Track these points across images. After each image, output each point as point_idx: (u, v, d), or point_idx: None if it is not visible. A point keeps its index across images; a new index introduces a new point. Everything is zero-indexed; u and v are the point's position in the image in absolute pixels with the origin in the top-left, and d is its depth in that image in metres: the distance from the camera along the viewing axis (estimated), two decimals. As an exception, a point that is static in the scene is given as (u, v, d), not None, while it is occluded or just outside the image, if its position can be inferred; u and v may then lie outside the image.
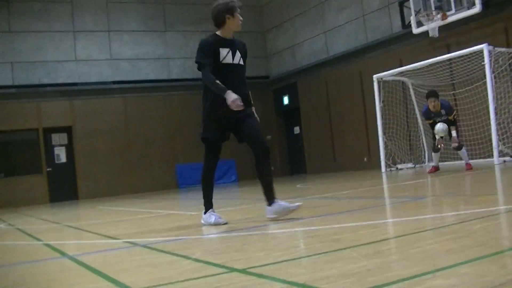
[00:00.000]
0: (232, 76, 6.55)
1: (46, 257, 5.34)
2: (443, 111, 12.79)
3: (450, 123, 12.73)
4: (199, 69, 6.47)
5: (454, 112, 13.09)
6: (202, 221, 6.59)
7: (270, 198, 6.29)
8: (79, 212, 13.98)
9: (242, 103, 6.20)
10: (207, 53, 6.47)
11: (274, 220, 6.08)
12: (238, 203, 10.93)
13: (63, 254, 5.32)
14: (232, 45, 6.72)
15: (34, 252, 5.92)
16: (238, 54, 6.75)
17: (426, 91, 13.42)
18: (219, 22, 6.72)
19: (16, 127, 21.83)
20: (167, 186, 23.25)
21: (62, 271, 4.35)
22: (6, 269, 4.79)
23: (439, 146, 12.96)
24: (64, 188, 22.22)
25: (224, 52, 6.55)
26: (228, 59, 6.58)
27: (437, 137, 12.86)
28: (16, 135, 22.23)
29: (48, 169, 22.12)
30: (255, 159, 6.76)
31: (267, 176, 6.62)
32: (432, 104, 12.83)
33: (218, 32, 6.73)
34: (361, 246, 3.91)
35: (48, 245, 6.22)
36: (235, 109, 6.21)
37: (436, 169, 13.34)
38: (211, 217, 6.49)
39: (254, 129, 6.66)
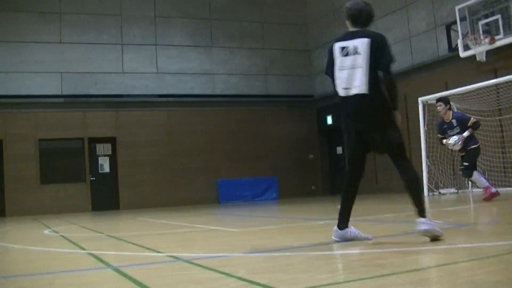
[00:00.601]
0: None
1: (91, 266, 5.41)
2: (454, 122, 12.11)
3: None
4: (388, 68, 5.81)
5: (472, 119, 12.19)
6: (335, 238, 6.01)
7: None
8: (121, 223, 14.11)
9: None
10: None
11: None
12: (280, 222, 10.91)
13: (107, 264, 5.38)
14: None
15: (78, 260, 6.02)
16: None
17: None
18: (370, 21, 6.08)
19: (62, 135, 22.19)
20: (207, 200, 23.33)
21: (107, 282, 4.42)
22: (53, 276, 4.88)
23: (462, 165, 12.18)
24: (106, 198, 22.47)
25: None
26: None
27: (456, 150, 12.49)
28: (62, 144, 22.58)
29: (92, 178, 22.40)
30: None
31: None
32: (438, 108, 12.36)
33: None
34: (406, 273, 3.89)
35: (92, 255, 6.30)
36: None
37: (492, 193, 11.83)
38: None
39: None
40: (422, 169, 17.30)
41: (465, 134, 11.91)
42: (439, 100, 12.58)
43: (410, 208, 9.51)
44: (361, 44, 5.74)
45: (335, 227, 6.01)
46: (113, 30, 23.44)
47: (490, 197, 11.69)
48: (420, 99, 17.62)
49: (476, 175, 12.04)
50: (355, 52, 5.75)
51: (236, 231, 8.43)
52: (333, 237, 5.96)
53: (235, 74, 25.17)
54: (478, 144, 12.31)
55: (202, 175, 23.64)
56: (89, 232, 10.43)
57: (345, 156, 5.99)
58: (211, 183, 23.72)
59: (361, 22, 5.96)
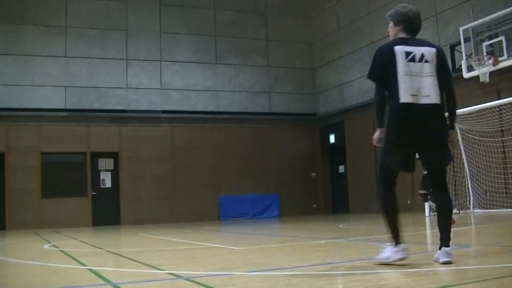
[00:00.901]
0: None
1: (90, 283, 5.38)
2: None
3: None
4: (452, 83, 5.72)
5: None
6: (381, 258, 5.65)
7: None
8: (121, 238, 14.10)
9: None
10: None
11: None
12: (282, 240, 10.88)
13: (107, 281, 5.36)
14: None
15: (78, 276, 5.98)
16: None
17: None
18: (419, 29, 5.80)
19: (65, 149, 22.20)
20: (209, 217, 23.29)
21: (107, 299, 4.39)
22: (52, 293, 4.87)
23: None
24: (107, 213, 22.44)
25: None
26: None
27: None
28: (64, 157, 22.61)
29: (93, 192, 22.38)
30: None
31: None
32: None
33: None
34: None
35: (91, 270, 6.28)
36: None
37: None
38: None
39: None
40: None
41: None
42: None
43: (410, 229, 9.45)
44: (429, 52, 5.50)
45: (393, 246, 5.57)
46: (118, 44, 23.53)
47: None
48: (423, 119, 17.58)
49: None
50: (423, 59, 5.46)
51: (237, 249, 8.41)
52: (400, 256, 5.47)
53: (239, 91, 25.21)
54: None
55: (205, 192, 23.62)
56: (89, 248, 10.41)
57: (379, 168, 5.55)
58: (213, 199, 23.69)
59: (417, 30, 5.75)
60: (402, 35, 5.72)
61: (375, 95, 5.61)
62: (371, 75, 5.69)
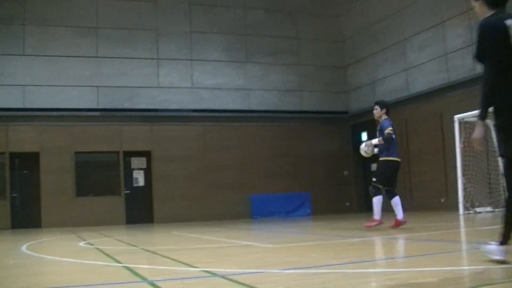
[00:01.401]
0: None
1: (126, 280, 5.43)
2: (379, 127, 11.51)
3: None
4: None
5: (387, 130, 11.18)
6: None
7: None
8: (155, 236, 14.17)
9: None
10: None
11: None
12: (314, 238, 10.85)
13: (143, 278, 5.40)
14: None
15: (114, 274, 6.05)
16: None
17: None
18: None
19: (98, 149, 22.43)
20: (241, 215, 23.32)
21: (144, 296, 4.43)
22: (90, 290, 4.92)
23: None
24: (140, 211, 22.60)
25: None
26: None
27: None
28: (97, 157, 22.86)
29: (126, 191, 22.55)
30: None
31: None
32: (373, 111, 11.81)
33: None
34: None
35: (127, 268, 6.33)
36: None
37: (373, 225, 11.23)
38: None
39: None
40: (458, 187, 17.12)
41: (374, 141, 11.43)
42: (376, 103, 11.94)
43: (444, 226, 9.32)
44: None
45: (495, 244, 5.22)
46: (149, 44, 23.67)
47: (374, 226, 11.11)
48: (456, 117, 17.45)
49: (377, 200, 11.29)
50: None
51: (271, 247, 8.42)
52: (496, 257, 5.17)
53: (270, 90, 25.20)
54: (391, 158, 11.27)
55: (236, 191, 23.66)
56: (123, 245, 10.49)
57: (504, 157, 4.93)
58: (245, 198, 23.71)
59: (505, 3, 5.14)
60: (491, 10, 5.10)
61: (488, 78, 5.07)
62: (480, 55, 5.13)
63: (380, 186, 11.33)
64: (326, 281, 4.74)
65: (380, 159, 11.42)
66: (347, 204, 25.45)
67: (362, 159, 25.81)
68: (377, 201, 11.30)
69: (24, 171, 21.83)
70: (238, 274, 5.44)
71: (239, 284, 4.73)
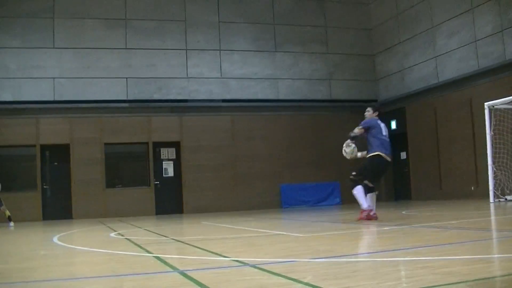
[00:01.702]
0: None
1: (157, 270, 5.45)
2: None
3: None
4: None
5: (357, 129, 11.39)
6: None
7: None
8: (185, 226, 14.23)
9: None
10: None
11: None
12: (344, 227, 10.80)
13: (174, 268, 5.41)
14: None
15: (145, 263, 6.06)
16: None
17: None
18: None
19: (127, 140, 22.57)
20: (270, 205, 23.32)
21: (174, 286, 4.42)
22: (120, 279, 4.93)
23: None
24: (170, 202, 22.71)
25: None
26: None
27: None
28: (127, 148, 23.02)
29: (156, 182, 22.67)
30: None
31: None
32: (365, 113, 12.00)
33: None
34: (475, 281, 3.78)
35: (157, 258, 6.35)
36: None
37: (368, 217, 11.13)
38: None
39: None
40: (488, 175, 16.92)
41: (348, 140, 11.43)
42: (370, 106, 12.20)
43: (475, 214, 9.23)
44: None
45: None
46: (177, 35, 23.71)
47: (366, 219, 10.99)
48: (486, 104, 17.23)
49: (357, 191, 11.31)
50: None
51: (301, 236, 8.38)
52: None
53: (299, 79, 25.12)
54: (373, 153, 11.29)
55: (265, 180, 23.65)
56: (154, 236, 10.54)
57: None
58: (274, 188, 23.69)
59: None
60: None
61: None
62: None
63: (357, 179, 11.38)
64: (356, 270, 4.71)
65: (367, 155, 11.48)
66: (376, 192, 25.25)
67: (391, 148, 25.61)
68: (357, 191, 11.35)
69: (55, 163, 22.04)
70: (269, 263, 5.41)
71: (270, 273, 4.71)
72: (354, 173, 11.48)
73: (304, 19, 25.45)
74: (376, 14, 26.23)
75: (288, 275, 4.47)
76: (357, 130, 11.31)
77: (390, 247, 6.02)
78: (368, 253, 5.86)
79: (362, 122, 11.56)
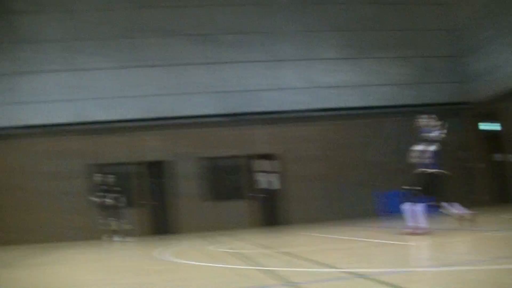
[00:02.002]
0: None
1: (272, 283, 5.53)
2: None
3: None
4: None
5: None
6: None
7: None
8: (290, 238, 14.25)
9: None
10: None
11: None
12: (452, 234, 10.62)
13: (287, 282, 5.50)
14: None
15: (258, 277, 6.17)
16: None
17: None
18: None
19: (222, 153, 22.90)
20: (367, 213, 23.01)
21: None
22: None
23: None
24: (269, 213, 22.82)
25: None
26: None
27: None
28: (222, 161, 23.33)
29: (254, 194, 22.83)
30: None
31: None
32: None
33: None
34: None
35: (269, 271, 6.44)
36: None
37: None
38: None
39: None
40: None
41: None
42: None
43: None
44: None
45: None
46: (264, 47, 23.95)
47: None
48: None
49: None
50: None
51: (412, 244, 8.33)
52: None
53: (387, 84, 24.86)
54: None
55: (361, 188, 23.36)
56: (261, 248, 10.66)
57: None
58: (372, 195, 23.40)
59: None
60: None
61: None
62: None
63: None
64: (476, 279, 4.63)
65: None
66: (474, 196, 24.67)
67: (487, 149, 24.90)
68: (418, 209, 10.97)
69: (159, 179, 22.63)
70: (384, 274, 5.40)
71: (383, 284, 4.69)
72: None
73: (388, 23, 25.18)
74: (464, 15, 25.62)
75: (404, 286, 4.45)
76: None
77: (503, 254, 5.90)
78: (486, 260, 5.69)
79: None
